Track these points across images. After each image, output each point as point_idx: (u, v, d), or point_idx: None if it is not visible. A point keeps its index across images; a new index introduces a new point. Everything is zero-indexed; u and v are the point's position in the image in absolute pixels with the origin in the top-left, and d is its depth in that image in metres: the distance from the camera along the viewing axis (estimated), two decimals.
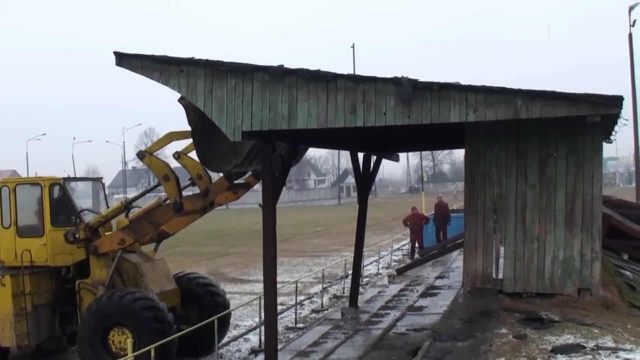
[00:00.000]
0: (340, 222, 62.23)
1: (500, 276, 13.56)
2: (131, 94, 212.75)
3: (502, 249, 13.74)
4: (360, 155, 18.95)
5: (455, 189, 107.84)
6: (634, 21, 45.29)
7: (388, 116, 10.69)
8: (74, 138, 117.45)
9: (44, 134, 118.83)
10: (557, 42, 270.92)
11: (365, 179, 19.33)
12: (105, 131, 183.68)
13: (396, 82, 10.59)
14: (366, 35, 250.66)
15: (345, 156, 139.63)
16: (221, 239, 51.17)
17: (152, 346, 12.91)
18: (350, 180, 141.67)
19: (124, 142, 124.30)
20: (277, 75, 11.21)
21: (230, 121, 11.43)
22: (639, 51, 49.03)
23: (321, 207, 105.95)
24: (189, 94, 11.70)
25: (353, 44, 54.59)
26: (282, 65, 11.27)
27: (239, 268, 33.92)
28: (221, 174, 15.65)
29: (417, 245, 32.55)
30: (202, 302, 16.99)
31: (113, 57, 12.01)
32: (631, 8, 45.23)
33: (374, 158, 19.73)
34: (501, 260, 13.77)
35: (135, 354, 13.06)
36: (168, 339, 13.74)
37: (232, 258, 38.78)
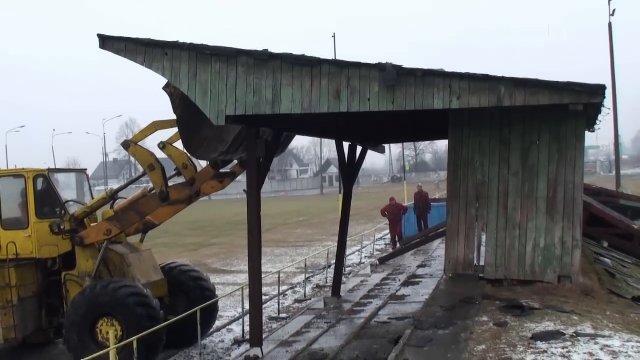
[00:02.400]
0: (322, 212, 62.31)
1: (482, 263, 13.64)
2: (111, 85, 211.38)
3: (483, 235, 13.81)
4: (346, 145, 18.95)
5: (438, 178, 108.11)
6: (614, 10, 45.58)
7: (372, 102, 10.74)
8: (54, 130, 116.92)
9: (23, 126, 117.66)
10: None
11: (350, 169, 19.34)
12: (85, 123, 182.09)
13: (380, 68, 10.64)
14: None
15: (327, 146, 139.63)
16: (204, 230, 51.10)
17: (133, 339, 12.88)
18: (333, 170, 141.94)
19: (104, 134, 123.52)
20: (262, 60, 11.22)
21: (214, 105, 11.43)
22: (619, 40, 49.33)
23: (304, 197, 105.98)
24: (173, 77, 11.68)
25: (334, 34, 54.27)
26: (267, 50, 11.26)
27: (222, 259, 33.91)
28: (207, 164, 15.62)
29: (400, 235, 32.12)
30: (189, 293, 16.94)
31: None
32: None
33: (359, 149, 19.75)
34: (483, 247, 13.85)
35: (117, 345, 13.00)
36: (151, 330, 13.64)
37: (215, 249, 38.75)
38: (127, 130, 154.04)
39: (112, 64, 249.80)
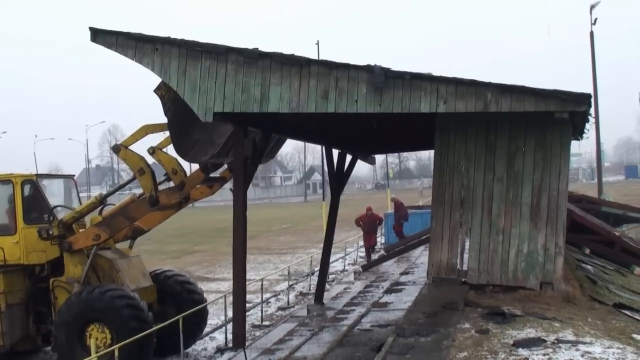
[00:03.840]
0: (306, 219, 62.26)
1: (465, 267, 13.65)
2: (94, 88, 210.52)
3: (467, 240, 13.83)
4: (335, 154, 18.92)
5: (421, 185, 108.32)
6: (595, 19, 45.96)
7: (359, 103, 10.78)
8: (36, 136, 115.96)
9: (5, 132, 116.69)
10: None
11: (338, 177, 19.30)
12: (67, 129, 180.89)
13: (369, 69, 10.71)
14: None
15: (311, 153, 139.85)
16: (187, 236, 50.90)
17: (120, 345, 12.79)
18: (317, 177, 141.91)
19: (87, 140, 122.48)
20: (252, 58, 11.28)
21: (203, 102, 11.46)
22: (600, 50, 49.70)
23: (287, 205, 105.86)
24: (163, 73, 11.70)
25: (317, 41, 54.29)
26: (257, 48, 11.29)
27: (205, 266, 33.80)
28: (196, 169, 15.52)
29: (374, 246, 31.00)
30: (179, 299, 16.78)
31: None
32: (592, 7, 45.88)
33: (349, 157, 19.69)
34: (466, 252, 13.87)
35: (99, 354, 12.91)
36: (137, 336, 13.52)
37: (198, 256, 38.62)
38: (109, 136, 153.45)
39: (96, 69, 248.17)
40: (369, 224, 29.96)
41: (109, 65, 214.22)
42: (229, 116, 11.66)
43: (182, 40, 11.57)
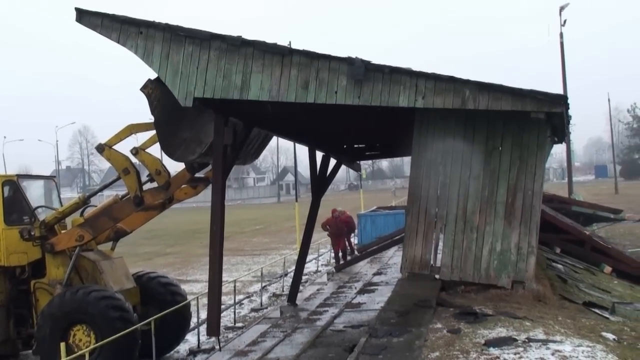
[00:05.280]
0: (279, 220, 62.17)
1: (438, 263, 13.66)
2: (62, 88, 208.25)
3: (442, 236, 13.83)
4: (319, 157, 18.87)
5: (394, 186, 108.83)
6: (565, 21, 46.50)
7: (339, 95, 10.86)
8: (5, 137, 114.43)
9: None
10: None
11: (321, 180, 19.23)
12: (37, 129, 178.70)
13: (349, 61, 10.79)
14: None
15: (285, 154, 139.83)
16: (159, 238, 50.52)
17: (98, 345, 12.65)
18: (290, 178, 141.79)
19: (57, 141, 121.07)
20: (234, 45, 11.35)
21: (184, 86, 11.52)
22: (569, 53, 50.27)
23: (260, 206, 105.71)
24: (145, 56, 11.73)
25: (289, 42, 54.31)
26: (240, 36, 11.33)
27: (177, 268, 33.57)
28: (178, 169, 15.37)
29: (345, 250, 29.53)
30: (162, 301, 16.47)
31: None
32: (562, 8, 46.43)
33: (333, 162, 19.62)
34: (440, 248, 13.87)
35: (76, 354, 12.71)
36: (120, 334, 13.36)
37: (170, 258, 38.39)
38: (80, 137, 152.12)
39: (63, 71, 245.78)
40: (336, 226, 28.74)
41: (80, 62, 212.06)
42: (209, 101, 11.67)
43: (166, 24, 11.63)
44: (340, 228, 28.79)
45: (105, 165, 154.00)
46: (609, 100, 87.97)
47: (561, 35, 46.66)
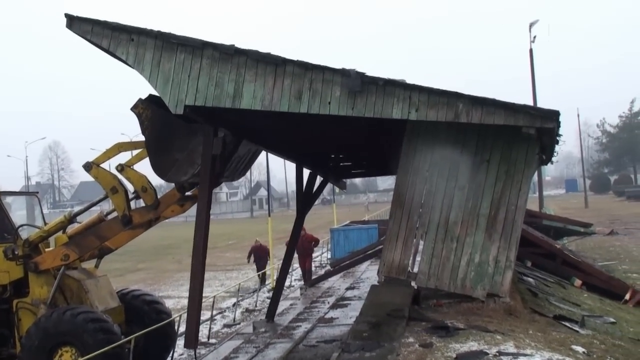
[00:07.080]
0: (252, 235, 61.58)
1: (416, 270, 13.67)
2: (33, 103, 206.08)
3: (421, 243, 13.83)
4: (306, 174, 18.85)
5: (367, 200, 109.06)
6: (534, 37, 47.12)
7: (332, 106, 10.82)
8: None
9: None
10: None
11: (306, 197, 19.16)
12: (5, 145, 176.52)
13: (344, 73, 10.77)
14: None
15: (257, 168, 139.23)
16: (130, 254, 49.89)
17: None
18: (263, 192, 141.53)
19: (26, 157, 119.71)
20: (227, 54, 11.25)
21: (175, 94, 11.40)
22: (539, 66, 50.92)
23: (233, 220, 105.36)
24: (136, 63, 11.61)
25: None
26: (233, 45, 11.26)
27: (149, 284, 33.35)
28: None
29: (310, 270, 29.73)
30: (147, 320, 16.13)
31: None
32: (531, 24, 47.06)
33: (319, 179, 19.57)
34: (419, 255, 13.88)
35: None
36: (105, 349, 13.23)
37: (141, 274, 38.12)
38: (50, 152, 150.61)
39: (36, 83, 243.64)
40: (301, 246, 28.01)
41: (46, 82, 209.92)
42: (200, 110, 11.56)
43: (158, 31, 11.51)
44: (306, 247, 28.86)
45: (76, 181, 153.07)
46: (578, 115, 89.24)
47: (531, 51, 47.24)
